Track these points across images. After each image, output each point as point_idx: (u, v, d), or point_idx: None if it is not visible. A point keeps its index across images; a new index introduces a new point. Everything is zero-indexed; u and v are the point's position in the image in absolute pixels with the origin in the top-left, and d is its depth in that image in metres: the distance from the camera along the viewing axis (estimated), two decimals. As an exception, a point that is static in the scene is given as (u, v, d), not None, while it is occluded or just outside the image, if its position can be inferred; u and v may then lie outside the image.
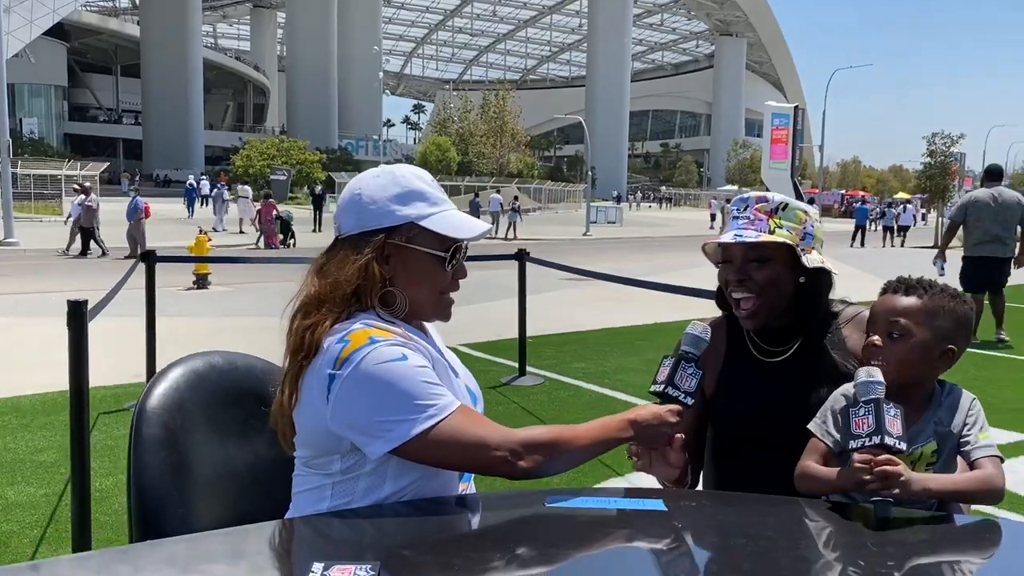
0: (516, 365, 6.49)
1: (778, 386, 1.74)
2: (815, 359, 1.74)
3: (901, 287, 1.61)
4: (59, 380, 4.52)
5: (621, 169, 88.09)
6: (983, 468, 1.50)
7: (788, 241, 1.69)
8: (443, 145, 57.89)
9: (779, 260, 1.71)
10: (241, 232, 24.11)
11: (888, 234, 29.56)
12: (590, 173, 39.25)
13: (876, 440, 1.35)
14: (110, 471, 4.11)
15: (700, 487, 1.86)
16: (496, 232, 25.95)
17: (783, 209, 1.72)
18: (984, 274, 8.10)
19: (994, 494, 1.48)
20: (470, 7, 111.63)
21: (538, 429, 1.41)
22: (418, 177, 1.52)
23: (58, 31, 62.32)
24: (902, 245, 28.47)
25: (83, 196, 17.36)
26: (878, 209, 37.63)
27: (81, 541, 2.93)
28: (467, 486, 1.52)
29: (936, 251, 8.89)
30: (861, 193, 57.39)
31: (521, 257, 6.46)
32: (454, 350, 1.63)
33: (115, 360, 6.05)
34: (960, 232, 8.54)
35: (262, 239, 20.38)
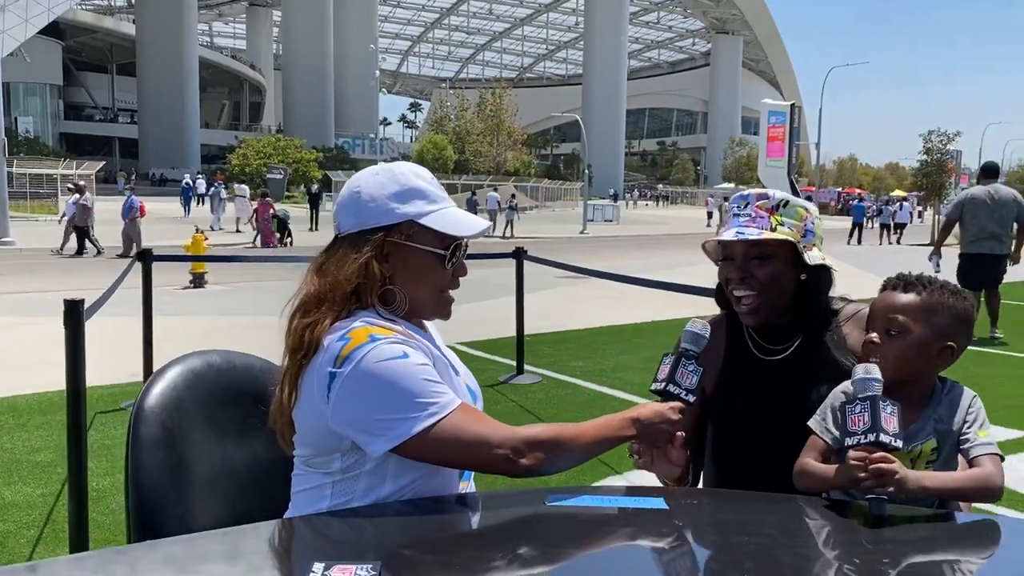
0: (514, 363, 6.48)
1: (778, 384, 1.73)
2: (815, 357, 1.74)
3: (900, 284, 1.60)
4: (56, 380, 4.49)
5: (618, 167, 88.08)
6: (982, 466, 1.48)
7: (790, 238, 1.68)
8: (440, 143, 57.86)
9: (781, 257, 1.70)
10: (238, 231, 24.07)
11: (885, 231, 29.59)
12: (587, 171, 39.22)
13: (871, 438, 1.35)
14: (107, 471, 4.10)
15: (700, 485, 1.86)
16: (493, 230, 25.94)
17: (784, 206, 1.72)
18: (981, 271, 8.12)
19: (992, 492, 1.46)
20: (466, 5, 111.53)
21: (540, 427, 1.40)
22: (417, 175, 1.51)
23: (53, 30, 62.08)
24: (899, 242, 28.50)
25: (78, 195, 17.32)
26: (874, 207, 37.67)
27: (78, 541, 2.92)
28: (467, 485, 1.52)
29: (932, 248, 8.90)
30: (857, 191, 57.48)
31: (519, 255, 6.46)
32: (452, 348, 1.63)
33: (112, 359, 6.03)
34: (956, 229, 8.55)
35: (259, 238, 20.35)
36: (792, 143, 22.30)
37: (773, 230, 1.68)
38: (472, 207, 28.75)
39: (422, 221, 1.46)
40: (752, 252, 1.70)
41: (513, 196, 32.47)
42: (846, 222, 31.39)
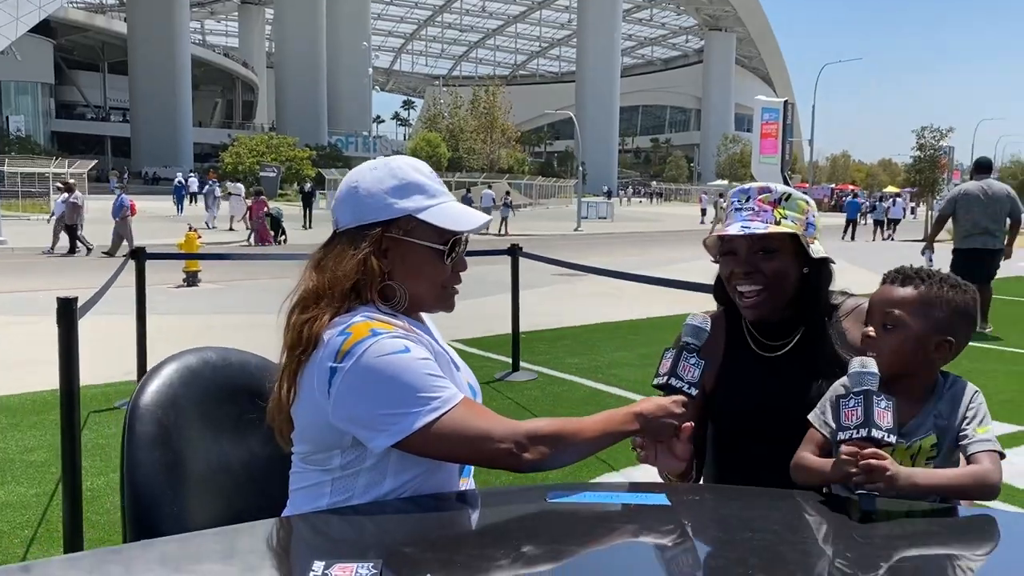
0: (509, 361, 6.47)
1: (777, 380, 1.72)
2: (814, 353, 1.72)
3: (899, 277, 1.58)
4: (49, 379, 4.48)
5: (611, 164, 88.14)
6: (979, 463, 1.46)
7: (796, 231, 1.67)
8: (433, 141, 57.79)
9: (785, 251, 1.68)
10: (231, 229, 24.02)
11: (878, 228, 29.67)
12: (581, 169, 39.24)
13: (864, 433, 1.33)
14: (101, 470, 4.08)
15: (700, 481, 1.85)
16: (488, 228, 25.97)
17: (787, 199, 1.70)
18: (974, 266, 8.13)
19: (988, 490, 1.44)
20: (459, 2, 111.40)
21: (543, 421, 1.39)
22: (415, 169, 1.49)
23: (44, 28, 61.87)
24: (892, 239, 28.57)
25: (67, 194, 17.24)
26: (867, 203, 37.78)
27: (73, 541, 2.91)
28: (467, 481, 1.50)
29: (924, 244, 8.93)
30: (851, 187, 57.61)
31: (514, 252, 6.44)
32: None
33: (105, 358, 6.01)
34: (949, 225, 8.57)
35: (253, 236, 20.30)
36: (785, 140, 22.36)
37: (777, 223, 1.66)
38: (466, 204, 28.69)
39: (420, 216, 1.45)
40: (757, 246, 1.68)
41: (508, 193, 32.49)
42: (839, 218, 31.46)
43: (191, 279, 11.91)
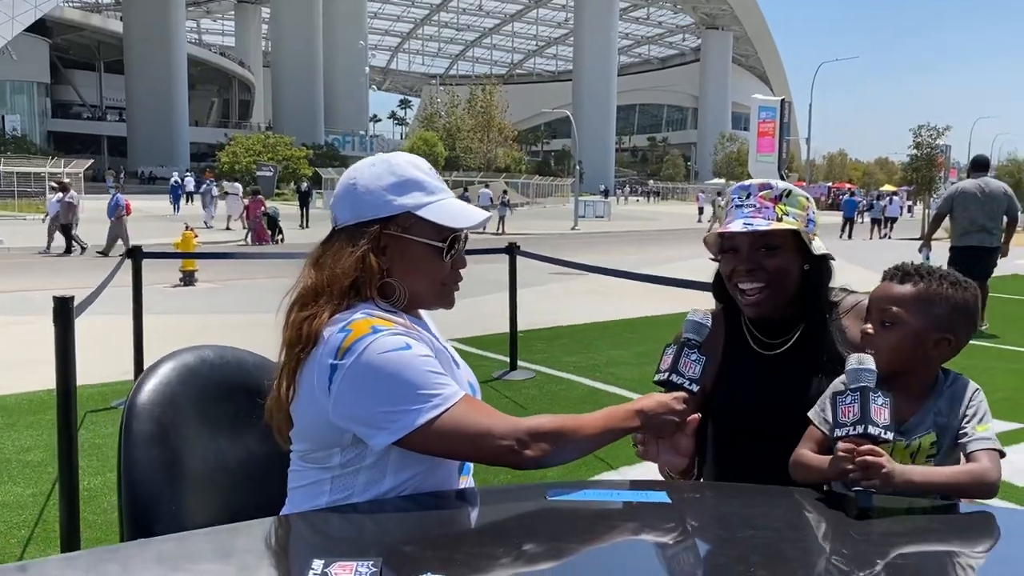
0: (507, 359, 6.47)
1: (777, 378, 1.71)
2: (814, 350, 1.71)
3: (898, 274, 1.57)
4: (45, 379, 4.47)
5: (608, 163, 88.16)
6: (978, 461, 1.45)
7: (798, 228, 1.66)
8: (430, 140, 57.75)
9: (787, 248, 1.67)
10: (228, 228, 23.99)
11: (876, 226, 29.70)
12: (578, 167, 39.23)
13: (860, 429, 1.33)
14: (98, 470, 4.07)
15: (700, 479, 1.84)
16: (486, 227, 25.94)
17: (787, 196, 1.69)
18: (971, 264, 8.14)
19: (986, 489, 1.42)
20: (456, 1, 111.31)
21: (544, 418, 1.38)
22: (414, 165, 1.48)
23: (40, 27, 61.71)
24: (888, 237, 28.59)
25: (61, 193, 17.18)
26: (864, 201, 37.82)
27: (70, 541, 2.90)
28: (466, 479, 1.50)
29: (921, 242, 8.93)
30: (847, 186, 57.66)
31: (511, 251, 6.43)
32: (445, 345, 1.61)
33: (102, 358, 5.99)
34: (947, 223, 8.57)
35: (250, 236, 20.28)
36: (782, 138, 22.37)
37: (779, 220, 1.65)
38: (464, 203, 28.67)
39: (419, 213, 1.44)
40: (759, 243, 1.67)
41: (505, 192, 32.44)
42: (835, 216, 31.48)
43: (188, 279, 11.88)
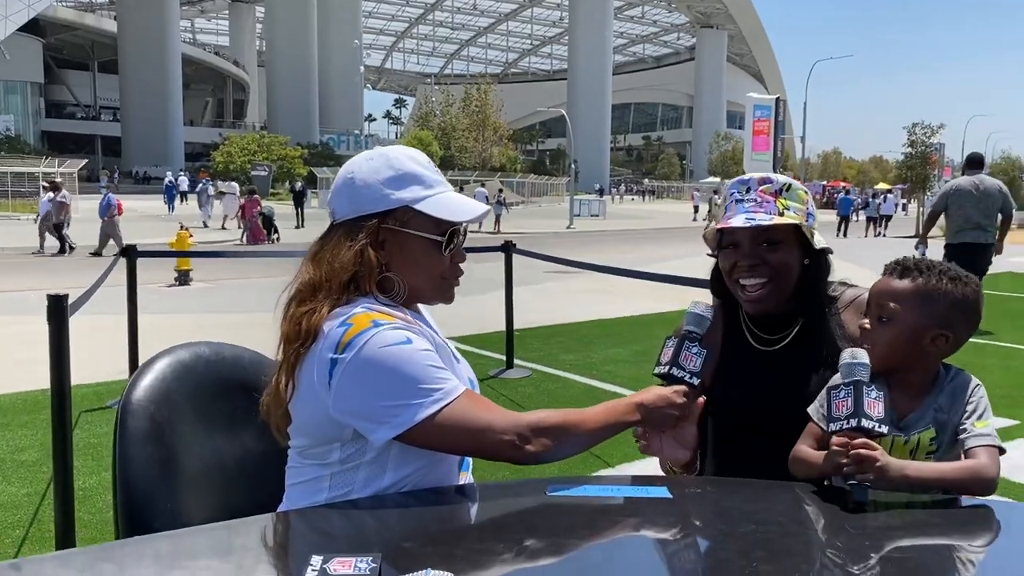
0: (503, 358, 6.46)
1: (775, 375, 1.69)
2: (813, 345, 1.69)
3: (898, 269, 1.55)
4: (39, 378, 4.44)
5: (604, 162, 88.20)
6: (976, 458, 1.43)
7: (800, 222, 1.64)
8: (425, 139, 57.71)
9: (789, 242, 1.65)
10: (223, 228, 23.94)
11: (871, 224, 29.74)
12: (573, 166, 39.24)
13: (854, 423, 1.33)
14: (93, 469, 4.05)
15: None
16: (481, 226, 25.94)
17: (787, 190, 1.67)
18: (966, 261, 8.14)
19: (984, 485, 1.41)
20: (450, 1, 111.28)
21: (545, 412, 1.38)
22: (412, 159, 1.47)
23: (33, 27, 61.51)
24: (883, 235, 28.63)
25: (53, 193, 17.11)
26: (860, 199, 37.89)
27: (65, 541, 2.89)
28: (466, 476, 1.49)
29: (917, 239, 8.94)
30: (842, 184, 57.74)
31: (508, 249, 6.42)
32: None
33: (97, 358, 5.96)
34: (942, 221, 8.58)
35: (246, 235, 20.24)
36: (777, 137, 22.39)
37: (780, 214, 1.63)
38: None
39: (417, 207, 1.43)
40: (761, 238, 1.64)
41: (500, 191, 32.44)
42: (830, 215, 31.50)
43: (183, 278, 11.85)
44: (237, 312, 8.36)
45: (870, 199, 32.59)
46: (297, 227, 24.90)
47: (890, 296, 1.51)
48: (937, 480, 1.40)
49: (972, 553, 1.25)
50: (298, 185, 29.51)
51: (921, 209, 28.16)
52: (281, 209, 25.04)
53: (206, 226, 24.48)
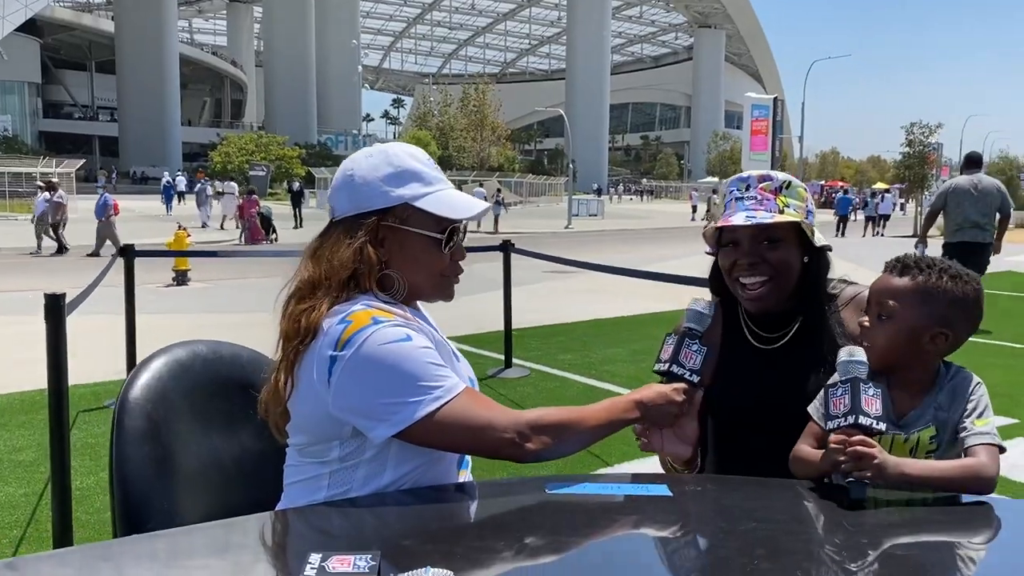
0: (502, 357, 6.45)
1: (775, 373, 1.68)
2: (812, 344, 1.69)
3: (898, 266, 1.54)
4: (37, 378, 4.43)
5: (602, 162, 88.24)
6: (975, 456, 1.42)
7: (801, 220, 1.63)
8: (423, 139, 57.65)
9: (789, 240, 1.65)
10: (222, 228, 23.92)
11: (869, 223, 29.75)
12: (571, 166, 39.24)
13: (851, 420, 1.32)
14: (91, 469, 4.04)
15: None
16: (480, 225, 25.94)
17: (787, 187, 1.66)
18: (964, 260, 8.12)
19: (983, 484, 1.39)
20: (448, 0, 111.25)
21: (544, 410, 1.37)
22: (412, 156, 1.46)
23: (31, 27, 61.45)
24: (881, 234, 28.64)
25: (48, 193, 17.07)
26: (858, 199, 37.93)
27: (62, 541, 2.88)
28: (465, 474, 1.48)
29: (916, 239, 8.94)
30: (840, 184, 57.80)
31: (506, 248, 6.42)
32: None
33: (94, 358, 5.95)
34: (940, 220, 8.58)
35: (245, 235, 20.23)
36: (775, 137, 22.46)
37: (781, 212, 1.62)
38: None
39: (417, 204, 1.42)
40: (762, 236, 1.63)
41: (499, 191, 32.46)
42: (828, 214, 31.49)
43: (181, 278, 11.83)
44: (235, 312, 8.34)
45: (868, 199, 32.59)
46: (295, 227, 24.88)
47: (890, 294, 1.50)
48: (935, 478, 1.39)
49: (971, 550, 1.25)
50: (296, 185, 29.50)
51: (919, 209, 28.19)
52: (279, 209, 25.02)
53: (205, 226, 24.45)
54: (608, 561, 1.15)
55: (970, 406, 1.48)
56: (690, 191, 50.68)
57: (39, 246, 17.32)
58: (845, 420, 1.33)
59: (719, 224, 1.66)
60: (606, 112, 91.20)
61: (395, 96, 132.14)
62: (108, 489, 1.43)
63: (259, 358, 1.61)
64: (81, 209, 21.12)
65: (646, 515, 1.28)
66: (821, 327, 1.70)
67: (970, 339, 1.56)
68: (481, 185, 33.34)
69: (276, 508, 1.39)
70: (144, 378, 1.49)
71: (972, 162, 8.67)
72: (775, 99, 23.37)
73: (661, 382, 1.51)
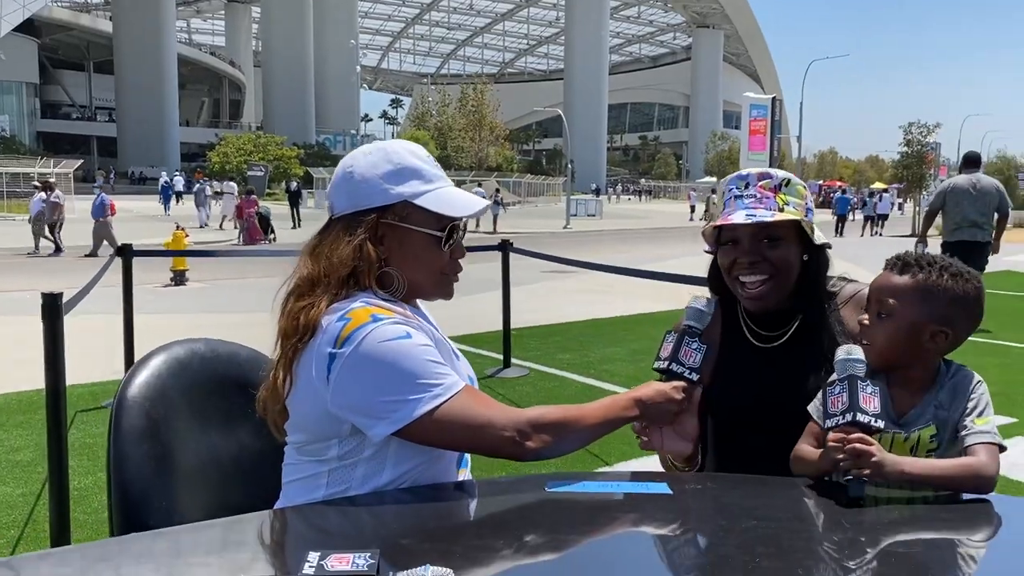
0: (500, 357, 6.45)
1: (774, 372, 1.68)
2: (812, 342, 1.68)
3: (899, 264, 1.53)
4: (34, 378, 4.43)
5: (600, 162, 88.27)
6: (975, 455, 1.41)
7: (800, 218, 1.62)
8: (422, 139, 57.52)
9: (789, 238, 1.64)
10: (221, 228, 23.91)
11: (868, 223, 29.77)
12: (569, 166, 39.22)
13: (849, 418, 1.32)
14: (89, 469, 4.04)
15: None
16: (479, 225, 25.94)
17: (786, 185, 1.66)
18: (963, 259, 8.12)
19: (982, 483, 1.38)
20: (447, 1, 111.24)
21: (545, 408, 1.37)
22: (412, 153, 1.46)
23: (29, 27, 61.43)
24: (879, 234, 28.65)
25: (45, 193, 17.04)
26: (856, 199, 37.96)
27: (60, 541, 2.87)
28: (464, 472, 1.47)
29: (916, 238, 8.94)
30: (839, 183, 57.83)
31: (505, 248, 6.41)
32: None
33: (92, 358, 5.94)
34: (939, 220, 8.59)
35: (243, 235, 20.22)
36: (774, 136, 22.44)
37: (780, 210, 1.61)
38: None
39: (417, 201, 1.41)
40: (762, 234, 1.62)
41: (497, 191, 32.47)
42: (826, 214, 31.50)
43: (179, 278, 11.81)
44: (233, 312, 8.33)
45: (866, 199, 32.60)
46: (293, 227, 24.87)
47: (889, 292, 1.50)
48: (935, 477, 1.38)
49: (972, 548, 1.24)
50: (294, 185, 29.48)
51: (918, 208, 28.19)
52: (277, 209, 25.00)
53: (204, 226, 24.44)
54: (608, 559, 1.14)
55: (970, 405, 1.48)
56: (688, 191, 50.70)
57: (37, 246, 17.29)
58: (843, 418, 1.33)
59: (719, 222, 1.65)
60: (604, 112, 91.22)
61: (393, 96, 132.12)
62: (106, 488, 1.42)
63: (257, 356, 1.60)
64: (79, 209, 21.10)
65: (646, 513, 1.27)
66: (821, 325, 1.69)
67: (971, 338, 1.55)
68: (480, 185, 33.35)
69: (275, 506, 1.38)
70: (142, 376, 1.49)
71: (970, 162, 8.68)
72: (773, 99, 23.35)
73: (660, 380, 1.51)
